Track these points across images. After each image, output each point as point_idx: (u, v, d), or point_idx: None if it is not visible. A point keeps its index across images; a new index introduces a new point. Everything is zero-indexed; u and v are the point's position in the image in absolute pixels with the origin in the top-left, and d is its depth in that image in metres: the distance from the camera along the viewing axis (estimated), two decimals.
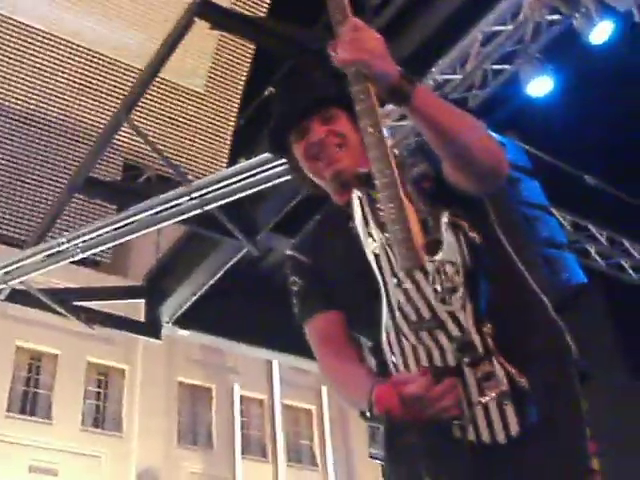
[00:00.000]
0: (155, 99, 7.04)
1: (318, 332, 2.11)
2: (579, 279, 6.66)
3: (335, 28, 1.84)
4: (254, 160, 6.52)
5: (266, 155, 6.13)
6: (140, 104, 7.08)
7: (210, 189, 6.79)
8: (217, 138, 7.33)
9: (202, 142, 7.20)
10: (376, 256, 1.86)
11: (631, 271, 8.15)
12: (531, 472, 1.77)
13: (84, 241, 7.35)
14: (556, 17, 5.37)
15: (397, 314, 1.79)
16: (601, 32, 5.37)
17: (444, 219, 1.79)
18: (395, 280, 1.81)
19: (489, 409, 1.69)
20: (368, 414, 1.78)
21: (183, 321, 9.25)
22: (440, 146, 1.85)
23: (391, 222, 1.80)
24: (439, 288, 1.75)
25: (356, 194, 1.92)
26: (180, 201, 7.01)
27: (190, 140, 7.23)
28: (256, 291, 8.66)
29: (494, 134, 6.31)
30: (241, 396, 23.01)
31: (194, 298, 8.81)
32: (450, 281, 1.74)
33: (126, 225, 7.31)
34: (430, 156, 1.99)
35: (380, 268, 1.84)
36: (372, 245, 1.87)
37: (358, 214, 1.91)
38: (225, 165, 7.06)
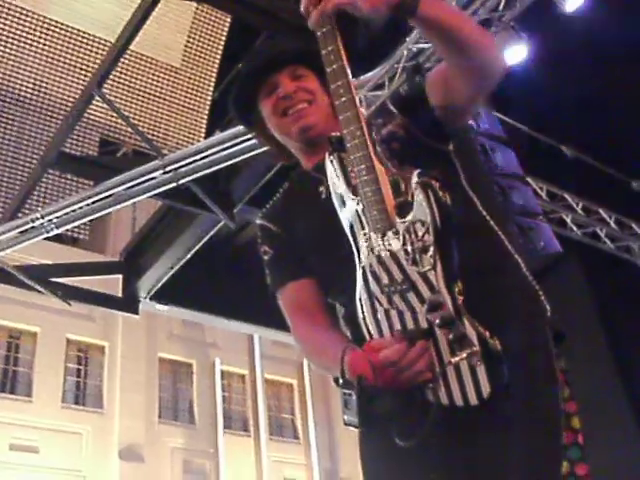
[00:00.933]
0: (130, 73, 6.96)
1: (290, 301, 2.10)
2: (555, 248, 6.70)
3: None
4: (228, 132, 6.47)
5: (241, 127, 6.09)
6: (115, 78, 6.99)
7: (184, 162, 6.75)
8: (194, 112, 7.26)
9: (179, 117, 7.14)
10: (348, 219, 1.84)
11: (607, 240, 8.20)
12: (502, 432, 1.76)
13: (58, 217, 7.30)
14: None
15: (369, 277, 1.78)
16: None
17: (414, 179, 1.76)
18: (367, 243, 1.79)
19: (460, 370, 1.68)
20: (341, 381, 1.78)
21: (161, 296, 9.23)
22: (448, 46, 1.86)
23: (362, 184, 1.79)
24: (410, 249, 1.73)
25: (328, 158, 1.89)
26: (154, 175, 6.96)
27: (167, 115, 7.16)
28: (235, 265, 8.64)
29: None
30: (222, 371, 23.08)
31: (171, 272, 8.78)
32: (421, 241, 1.72)
33: (100, 200, 7.25)
34: (401, 110, 2.01)
35: (352, 231, 1.83)
36: (344, 209, 1.85)
37: (331, 177, 1.89)
38: (203, 139, 7.02)
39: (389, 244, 1.76)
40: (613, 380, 7.47)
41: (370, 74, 6.04)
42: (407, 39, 5.77)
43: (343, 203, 1.86)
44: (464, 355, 1.66)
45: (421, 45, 5.79)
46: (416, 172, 1.76)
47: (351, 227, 1.84)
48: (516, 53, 5.74)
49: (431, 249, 1.70)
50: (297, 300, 2.09)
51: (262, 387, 23.48)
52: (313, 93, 2.10)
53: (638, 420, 7.15)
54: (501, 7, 5.49)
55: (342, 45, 1.84)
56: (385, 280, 1.76)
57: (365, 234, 1.80)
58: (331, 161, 1.89)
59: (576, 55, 5.75)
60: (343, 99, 1.82)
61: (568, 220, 7.86)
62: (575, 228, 7.92)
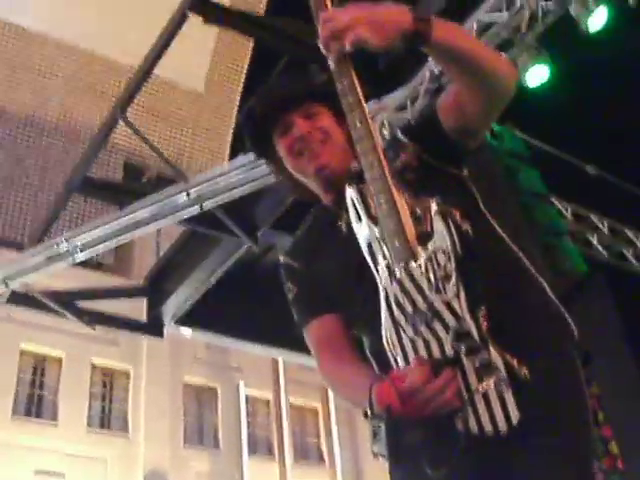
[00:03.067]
0: (154, 98, 7.03)
1: (315, 338, 2.10)
2: (580, 268, 6.65)
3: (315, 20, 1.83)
4: (251, 155, 6.49)
5: None
6: (139, 103, 7.06)
7: (207, 186, 6.78)
8: (217, 136, 7.31)
9: (202, 141, 7.19)
10: (371, 251, 1.83)
11: (634, 260, 8.12)
12: (533, 462, 1.73)
13: (83, 241, 7.34)
14: (551, 4, 5.34)
15: (394, 308, 1.77)
16: (597, 19, 5.36)
17: (434, 207, 1.77)
18: (389, 272, 1.78)
19: (489, 397, 1.66)
20: (369, 413, 1.76)
21: (186, 320, 9.26)
22: (462, 70, 1.86)
23: (383, 215, 1.79)
24: (432, 278, 1.72)
25: (349, 191, 1.89)
26: (178, 198, 6.99)
27: (190, 139, 7.21)
28: (259, 288, 8.62)
29: (495, 125, 6.31)
30: (247, 395, 23.00)
31: (196, 297, 8.80)
32: (443, 269, 1.72)
33: (125, 224, 7.29)
34: (413, 138, 2.01)
35: (375, 263, 1.82)
36: (367, 240, 1.85)
37: (352, 210, 1.89)
38: (226, 163, 7.08)
39: (412, 273, 1.76)
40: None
41: (393, 95, 6.05)
42: (429, 60, 5.77)
43: (364, 234, 1.86)
44: (491, 382, 1.66)
45: None
46: (435, 201, 1.78)
47: (373, 258, 1.83)
48: (539, 73, 5.73)
49: (453, 277, 1.70)
50: (322, 336, 2.08)
51: (287, 411, 23.39)
52: (327, 131, 2.09)
53: None
54: (523, 28, 5.48)
55: (356, 76, 1.85)
56: (409, 309, 1.75)
57: (388, 264, 1.80)
58: (351, 194, 1.89)
59: (599, 74, 5.72)
60: (359, 130, 1.83)
61: (594, 240, 7.79)
62: (601, 248, 7.86)
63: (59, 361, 20.49)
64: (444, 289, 1.71)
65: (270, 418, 23.54)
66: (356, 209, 1.87)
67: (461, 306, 1.69)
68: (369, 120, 1.84)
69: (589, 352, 1.94)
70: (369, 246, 1.84)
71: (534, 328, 1.84)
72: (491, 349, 1.67)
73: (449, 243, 1.72)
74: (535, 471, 1.74)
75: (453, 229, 1.73)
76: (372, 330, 1.87)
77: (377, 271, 1.81)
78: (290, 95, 2.13)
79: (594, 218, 7.78)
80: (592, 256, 7.69)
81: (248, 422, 22.74)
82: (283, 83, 2.30)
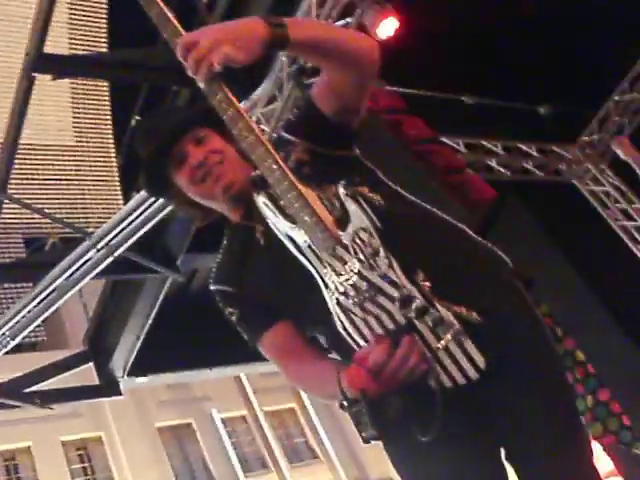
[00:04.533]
0: (30, 165, 6.90)
1: (272, 348, 2.11)
2: (490, 194, 6.78)
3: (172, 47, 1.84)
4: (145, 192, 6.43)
5: None
6: (17, 175, 6.90)
7: (112, 234, 6.71)
8: (105, 183, 7.21)
9: (92, 192, 7.08)
10: (299, 250, 1.86)
11: (536, 170, 8.33)
12: (514, 390, 1.82)
13: (9, 328, 7.21)
14: None
15: (338, 296, 1.80)
16: None
17: (341, 190, 1.82)
18: (323, 264, 1.81)
19: (451, 351, 1.72)
20: (345, 402, 1.77)
21: (137, 369, 9.14)
22: (329, 61, 1.94)
23: (297, 211, 1.82)
24: (362, 257, 1.76)
25: (259, 199, 1.92)
26: (89, 256, 6.91)
27: (80, 194, 7.09)
28: (197, 313, 8.57)
29: None
30: (222, 419, 22.88)
31: (139, 344, 8.70)
32: (369, 246, 1.76)
33: (45, 298, 7.18)
34: (298, 134, 2.06)
35: (308, 259, 1.85)
36: (292, 239, 1.87)
37: (266, 216, 1.92)
38: (123, 205, 6.99)
39: (343, 259, 1.79)
40: (591, 296, 7.54)
41: (259, 90, 6.07)
42: None
43: (288, 236, 1.88)
44: (449, 337, 1.70)
45: None
46: (341, 184, 1.83)
47: (304, 255, 1.85)
48: (389, 25, 5.81)
49: (381, 250, 1.75)
50: (278, 345, 2.09)
51: (265, 421, 23.34)
52: (221, 151, 2.10)
53: (620, 323, 7.24)
54: None
55: (227, 88, 1.85)
56: (352, 292, 1.78)
57: (319, 257, 1.82)
58: (263, 201, 1.91)
59: (441, 8, 5.84)
60: (248, 140, 1.84)
61: (493, 164, 7.96)
62: (502, 169, 8.03)
63: (28, 451, 20.02)
64: (376, 264, 1.75)
65: (252, 433, 23.46)
66: (274, 214, 1.90)
67: (398, 275, 1.73)
68: (255, 127, 1.86)
69: (531, 276, 1.99)
70: (296, 245, 1.86)
71: (471, 271, 1.90)
72: (438, 306, 1.72)
73: (366, 220, 1.77)
74: (518, 399, 1.83)
75: (366, 205, 1.79)
76: (324, 325, 1.91)
77: (313, 267, 1.84)
78: (174, 126, 2.13)
79: (486, 143, 7.94)
80: (496, 179, 7.85)
81: (233, 444, 22.63)
82: (161, 118, 2.30)
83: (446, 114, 7.22)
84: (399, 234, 1.80)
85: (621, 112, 8.21)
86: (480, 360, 1.70)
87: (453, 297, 1.74)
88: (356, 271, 1.77)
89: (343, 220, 1.80)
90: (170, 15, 1.88)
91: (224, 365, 10.08)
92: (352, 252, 1.77)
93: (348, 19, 5.75)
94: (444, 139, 7.25)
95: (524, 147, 8.21)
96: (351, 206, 1.79)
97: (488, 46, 6.55)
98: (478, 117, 7.59)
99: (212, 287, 2.19)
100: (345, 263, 1.78)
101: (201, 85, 1.85)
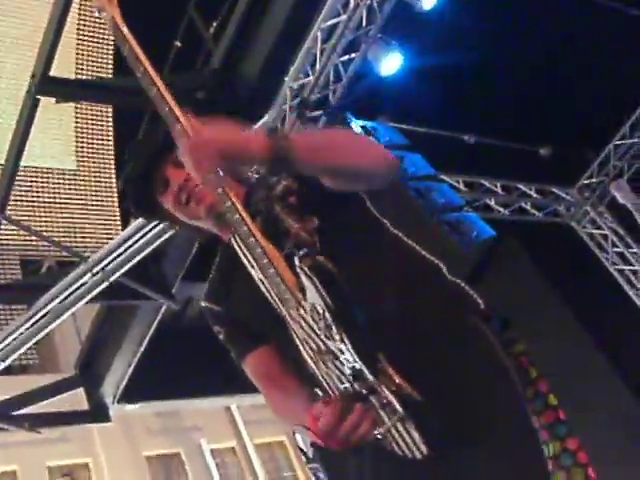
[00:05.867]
0: (31, 188, 6.92)
1: (255, 371, 2.11)
2: (487, 233, 6.79)
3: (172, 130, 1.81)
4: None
5: None
6: (17, 198, 6.92)
7: (109, 259, 6.71)
8: (104, 208, 7.23)
9: (91, 216, 7.09)
10: (268, 291, 1.87)
11: (534, 210, 8.36)
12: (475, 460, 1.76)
13: (1, 349, 7.18)
14: None
15: (304, 346, 1.79)
16: None
17: (296, 262, 1.77)
18: (287, 316, 1.81)
19: (398, 431, 1.69)
20: (304, 458, 1.83)
21: (128, 396, 9.09)
22: (333, 179, 1.89)
23: (263, 267, 1.83)
24: (317, 327, 1.74)
25: (233, 242, 1.95)
26: (84, 280, 6.90)
27: (79, 218, 7.10)
28: (190, 342, 8.57)
29: (367, 123, 6.42)
30: (211, 450, 22.67)
31: (131, 370, 8.66)
32: (323, 320, 1.73)
33: (38, 320, 7.16)
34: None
35: (275, 302, 1.86)
36: (261, 282, 1.89)
37: (241, 255, 1.93)
38: (121, 231, 7.01)
39: (304, 319, 1.77)
40: (585, 339, 7.52)
41: (262, 122, 6.09)
42: (286, 79, 5.86)
43: (257, 277, 1.89)
44: (395, 420, 1.68)
45: (301, 81, 5.88)
46: (297, 257, 1.78)
47: (272, 297, 1.87)
48: (393, 62, 5.86)
49: (334, 327, 1.71)
50: (261, 370, 2.09)
51: (255, 453, 23.12)
52: None
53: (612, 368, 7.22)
54: (364, 23, 5.61)
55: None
56: (314, 347, 1.77)
57: (284, 307, 1.81)
58: (236, 244, 1.93)
59: (446, 47, 5.90)
60: (229, 208, 1.82)
61: (492, 203, 7.99)
62: (501, 209, 8.06)
63: (14, 475, 19.79)
64: (331, 336, 1.72)
65: (241, 465, 23.23)
66: (244, 254, 1.91)
67: (349, 350, 1.70)
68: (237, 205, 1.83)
69: (506, 316, 1.95)
70: (266, 289, 1.87)
71: (435, 320, 1.85)
72: (385, 390, 1.68)
73: (319, 298, 1.72)
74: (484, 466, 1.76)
75: (318, 284, 1.72)
76: (298, 361, 1.87)
77: (280, 310, 1.84)
78: (154, 150, 2.13)
79: (486, 182, 7.98)
80: (495, 218, 7.88)
81: (221, 475, 22.40)
82: (144, 143, 2.30)
83: (447, 152, 7.26)
84: (353, 311, 1.74)
85: (621, 156, 8.25)
86: (422, 446, 1.67)
87: (408, 369, 1.69)
88: (316, 333, 1.75)
89: (303, 289, 1.77)
90: (169, 98, 1.83)
91: (214, 395, 10.02)
92: (310, 320, 1.75)
93: (353, 54, 5.80)
94: (444, 177, 7.27)
95: (523, 187, 8.25)
96: (306, 281, 1.75)
97: (491, 86, 6.61)
98: (479, 156, 7.64)
99: (202, 305, 2.20)
100: (306, 324, 1.77)
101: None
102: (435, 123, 6.93)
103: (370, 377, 1.69)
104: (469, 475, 1.77)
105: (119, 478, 20.47)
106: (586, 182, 8.52)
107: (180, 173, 2.06)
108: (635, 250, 8.16)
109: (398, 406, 1.67)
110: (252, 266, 1.90)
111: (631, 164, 8.31)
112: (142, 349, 8.35)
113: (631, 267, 8.14)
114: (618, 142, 8.19)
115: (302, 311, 1.77)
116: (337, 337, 1.71)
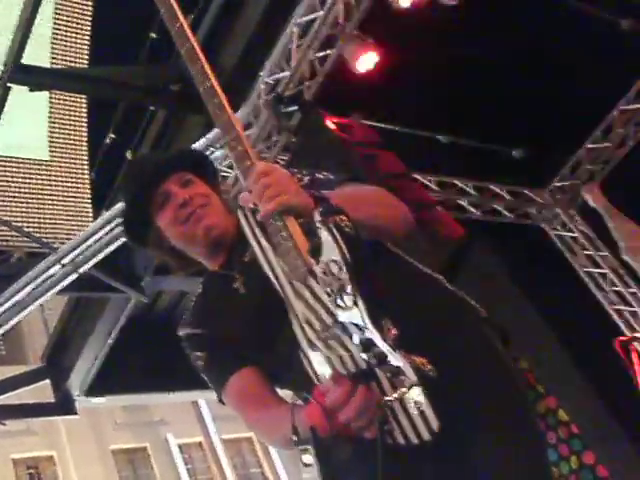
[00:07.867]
0: (2, 178, 6.84)
1: (235, 392, 2.05)
2: (458, 232, 6.80)
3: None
4: (115, 209, 6.41)
5: None
6: None
7: (79, 251, 6.66)
8: (76, 199, 7.16)
9: (62, 207, 7.01)
10: (277, 279, 1.84)
11: (506, 212, 8.40)
12: (485, 450, 1.77)
13: None
14: None
15: (306, 328, 1.74)
16: None
17: (317, 217, 1.71)
18: (296, 294, 1.77)
19: (406, 406, 1.60)
20: (295, 438, 1.70)
21: (95, 389, 9.03)
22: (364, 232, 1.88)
23: (275, 235, 1.79)
24: (329, 290, 1.68)
25: (242, 222, 1.97)
26: (53, 271, 6.84)
27: (50, 209, 7.03)
28: (158, 336, 8.50)
29: (342, 119, 6.41)
30: (178, 445, 22.59)
31: (98, 363, 8.60)
32: (338, 280, 1.66)
33: (5, 311, 7.09)
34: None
35: (283, 289, 1.82)
36: (272, 271, 1.86)
37: (247, 231, 1.94)
38: (91, 223, 6.95)
39: (312, 289, 1.74)
40: (550, 346, 7.55)
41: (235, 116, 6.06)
42: (261, 73, 5.84)
43: (269, 265, 1.88)
44: (405, 390, 1.59)
45: (276, 76, 5.87)
46: (317, 211, 1.72)
47: (281, 285, 1.83)
48: (369, 59, 5.86)
49: (348, 287, 1.64)
50: (241, 389, 2.04)
51: (222, 448, 23.08)
52: (207, 196, 2.11)
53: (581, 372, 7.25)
54: (341, 20, 5.60)
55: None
56: (317, 326, 1.72)
57: (292, 285, 1.78)
58: (244, 217, 1.98)
59: (422, 46, 5.90)
60: (236, 152, 1.85)
61: (464, 203, 8.01)
62: (473, 209, 8.09)
63: None
64: (343, 300, 1.65)
65: (208, 460, 23.18)
66: (257, 241, 1.92)
67: (362, 316, 1.62)
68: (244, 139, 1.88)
69: (505, 330, 1.96)
70: (275, 275, 1.85)
71: (437, 321, 1.86)
72: (398, 355, 1.59)
73: (337, 251, 1.66)
74: (491, 459, 1.76)
75: (339, 237, 1.67)
76: (293, 369, 1.83)
77: (286, 297, 1.80)
78: (159, 166, 2.13)
79: (459, 182, 8.00)
80: (467, 218, 7.90)
81: (188, 470, 22.34)
82: (148, 160, 2.29)
83: (420, 151, 7.28)
84: (369, 271, 1.69)
85: (593, 160, 8.32)
86: (435, 425, 1.58)
87: (416, 344, 1.62)
88: (324, 304, 1.71)
89: (318, 249, 1.71)
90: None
91: (182, 389, 9.97)
92: (322, 284, 1.70)
93: (328, 51, 5.79)
94: (416, 176, 7.28)
95: (496, 188, 8.28)
96: (325, 235, 1.68)
97: (467, 87, 6.63)
98: (452, 156, 7.66)
99: (180, 332, 2.14)
100: (314, 295, 1.73)
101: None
102: (409, 122, 6.93)
103: (381, 342, 1.60)
104: (480, 460, 1.76)
105: (85, 472, 20.35)
106: (558, 185, 8.56)
107: (185, 191, 2.09)
108: (604, 253, 8.22)
109: (412, 373, 1.58)
110: (257, 242, 1.91)
111: (603, 168, 8.37)
112: (110, 342, 8.30)
113: (600, 270, 8.20)
114: (590, 145, 8.25)
115: (310, 280, 1.74)
116: (350, 299, 1.63)
